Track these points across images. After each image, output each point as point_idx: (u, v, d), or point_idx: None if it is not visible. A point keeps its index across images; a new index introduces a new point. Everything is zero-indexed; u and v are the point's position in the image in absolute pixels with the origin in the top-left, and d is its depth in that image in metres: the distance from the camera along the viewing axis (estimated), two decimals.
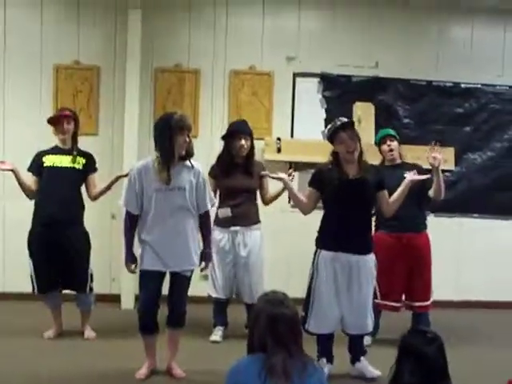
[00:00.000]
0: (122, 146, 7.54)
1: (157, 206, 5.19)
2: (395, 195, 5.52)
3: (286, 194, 7.89)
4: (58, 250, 6.18)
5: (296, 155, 7.88)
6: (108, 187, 6.42)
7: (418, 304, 6.46)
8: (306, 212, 5.58)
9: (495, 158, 8.40)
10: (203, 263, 5.50)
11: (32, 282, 6.35)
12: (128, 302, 7.53)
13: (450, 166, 8.20)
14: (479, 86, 8.33)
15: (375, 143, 6.66)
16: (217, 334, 6.56)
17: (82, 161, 6.37)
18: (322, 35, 8.13)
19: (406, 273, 6.35)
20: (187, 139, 5.19)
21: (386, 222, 6.14)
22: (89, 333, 6.50)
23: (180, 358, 5.61)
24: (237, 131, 6.47)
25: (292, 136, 8.11)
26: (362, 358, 5.62)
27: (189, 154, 5.25)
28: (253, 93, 8.03)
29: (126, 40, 7.59)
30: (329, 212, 5.43)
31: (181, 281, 5.36)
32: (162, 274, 5.38)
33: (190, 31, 7.97)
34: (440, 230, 7.75)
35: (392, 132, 6.57)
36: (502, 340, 6.96)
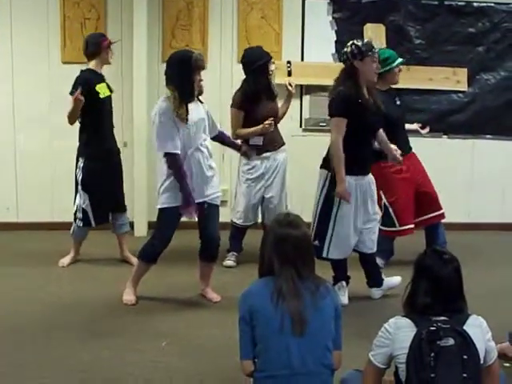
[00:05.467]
0: (131, 72, 7.47)
1: (188, 141, 5.23)
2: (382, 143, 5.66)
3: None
4: (112, 178, 6.34)
5: (307, 78, 7.80)
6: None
7: (433, 214, 6.49)
8: None
9: (509, 78, 8.22)
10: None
11: (85, 216, 6.29)
12: (141, 230, 7.55)
13: (463, 86, 8.10)
14: (492, 4, 8.08)
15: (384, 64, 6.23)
16: (231, 259, 6.64)
17: (111, 87, 6.41)
18: None
19: (413, 193, 6.38)
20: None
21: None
22: (135, 259, 5.91)
23: (193, 282, 5.72)
24: (267, 58, 6.41)
25: (302, 59, 7.99)
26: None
27: (200, 92, 5.34)
28: (262, 16, 7.86)
29: None
30: (355, 138, 5.24)
31: (214, 210, 5.46)
32: None
33: None
34: (453, 151, 7.73)
35: None
36: None
